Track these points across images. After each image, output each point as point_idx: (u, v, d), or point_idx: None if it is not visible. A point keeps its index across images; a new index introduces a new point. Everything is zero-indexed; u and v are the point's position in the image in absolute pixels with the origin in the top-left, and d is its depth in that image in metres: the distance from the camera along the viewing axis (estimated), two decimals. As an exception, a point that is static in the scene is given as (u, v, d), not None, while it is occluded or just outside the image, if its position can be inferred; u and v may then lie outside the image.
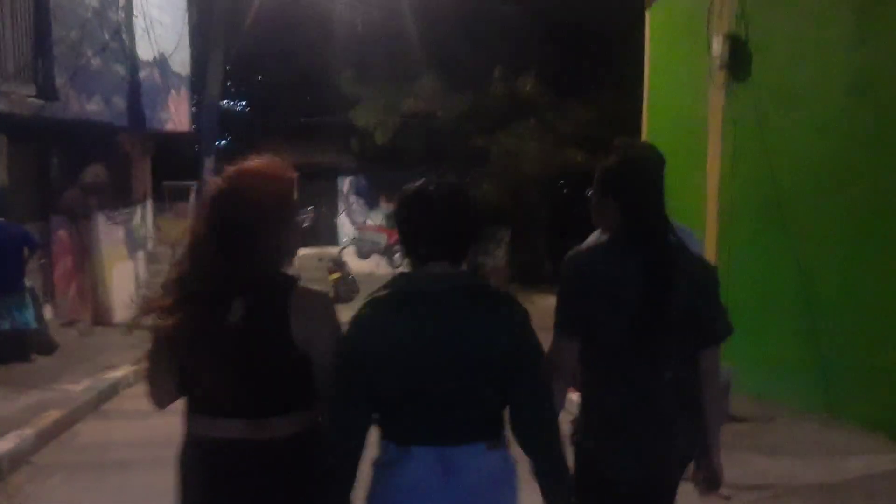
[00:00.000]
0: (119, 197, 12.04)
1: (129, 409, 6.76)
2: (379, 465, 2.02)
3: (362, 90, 17.67)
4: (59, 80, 8.39)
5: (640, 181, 2.31)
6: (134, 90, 10.58)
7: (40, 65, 7.96)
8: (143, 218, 13.22)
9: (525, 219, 17.32)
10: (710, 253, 7.19)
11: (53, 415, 5.98)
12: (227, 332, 1.91)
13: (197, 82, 13.40)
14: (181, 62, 12.80)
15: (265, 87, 18.38)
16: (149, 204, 13.46)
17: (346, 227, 18.94)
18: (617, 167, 2.33)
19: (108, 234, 11.51)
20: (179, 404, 2.07)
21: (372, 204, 19.51)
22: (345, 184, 19.29)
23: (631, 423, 2.26)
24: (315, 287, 2.06)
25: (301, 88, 18.35)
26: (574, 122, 16.26)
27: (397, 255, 19.41)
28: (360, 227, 19.08)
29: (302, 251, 18.14)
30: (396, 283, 2.05)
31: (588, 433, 2.33)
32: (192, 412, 2.04)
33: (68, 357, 8.20)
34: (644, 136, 8.85)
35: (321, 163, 18.87)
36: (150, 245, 13.47)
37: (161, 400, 2.09)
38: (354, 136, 18.67)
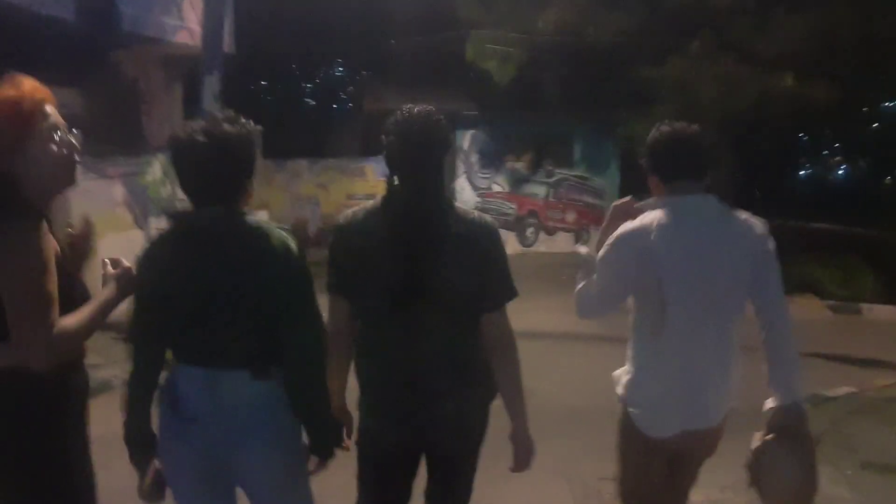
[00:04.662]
0: (120, 141, 8.54)
1: None
2: (163, 385, 2.23)
3: (485, 15, 13.42)
4: None
5: (403, 151, 2.29)
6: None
7: None
8: (167, 172, 9.70)
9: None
10: None
11: None
12: None
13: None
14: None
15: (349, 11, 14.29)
16: (178, 154, 9.94)
17: (465, 193, 14.79)
18: (389, 134, 2.33)
19: (93, 191, 7.99)
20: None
21: (499, 164, 15.25)
22: (465, 139, 15.09)
23: (391, 391, 2.35)
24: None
25: (403, 15, 14.18)
26: (781, 39, 11.22)
27: (530, 230, 15.24)
28: (485, 195, 14.93)
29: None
30: (177, 221, 2.19)
31: (361, 400, 2.44)
32: None
33: None
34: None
35: (433, 110, 14.71)
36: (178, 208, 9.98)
37: None
38: (475, 76, 14.47)
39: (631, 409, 2.60)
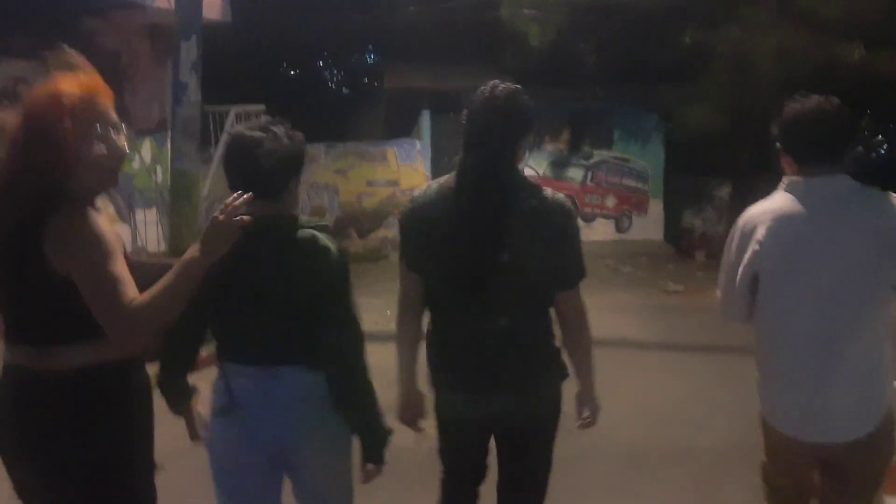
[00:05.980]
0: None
1: None
2: (216, 384, 2.30)
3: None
4: None
5: (477, 127, 2.33)
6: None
7: None
8: (156, 159, 8.63)
9: (757, 158, 11.00)
10: None
11: None
12: None
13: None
14: None
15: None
16: (167, 137, 8.85)
17: (494, 178, 13.61)
18: (469, 108, 2.37)
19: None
20: None
21: (531, 145, 13.98)
22: (494, 118, 13.87)
23: (457, 365, 2.42)
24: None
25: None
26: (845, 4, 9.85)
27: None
28: (515, 179, 13.69)
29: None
30: None
31: (431, 373, 2.51)
32: None
33: None
34: None
35: (457, 88, 13.48)
36: (168, 198, 8.91)
37: None
38: (507, 45, 13.17)
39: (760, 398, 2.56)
